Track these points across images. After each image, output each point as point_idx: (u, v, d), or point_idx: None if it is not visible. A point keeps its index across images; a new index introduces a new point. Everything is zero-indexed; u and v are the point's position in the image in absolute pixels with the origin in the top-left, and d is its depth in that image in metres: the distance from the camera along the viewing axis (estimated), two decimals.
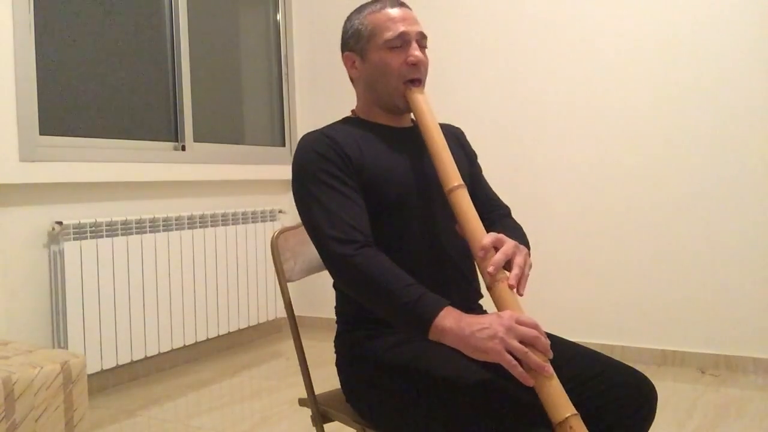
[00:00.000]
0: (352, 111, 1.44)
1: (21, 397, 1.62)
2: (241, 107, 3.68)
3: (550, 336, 1.16)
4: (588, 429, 1.04)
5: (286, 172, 3.79)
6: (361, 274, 1.16)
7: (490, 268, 1.14)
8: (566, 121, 3.15)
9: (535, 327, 1.06)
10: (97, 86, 2.87)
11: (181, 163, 3.13)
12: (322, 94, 3.82)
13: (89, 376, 2.51)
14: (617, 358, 1.34)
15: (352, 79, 1.42)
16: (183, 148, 3.21)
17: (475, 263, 1.22)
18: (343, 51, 1.41)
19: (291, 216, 3.75)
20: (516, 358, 1.03)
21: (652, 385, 1.22)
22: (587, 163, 3.10)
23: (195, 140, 3.27)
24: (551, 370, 1.04)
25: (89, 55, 2.84)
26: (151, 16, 3.11)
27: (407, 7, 1.37)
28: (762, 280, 2.78)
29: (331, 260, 1.20)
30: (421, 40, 1.35)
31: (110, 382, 2.79)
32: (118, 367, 2.76)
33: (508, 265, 1.16)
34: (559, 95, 3.15)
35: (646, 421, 1.20)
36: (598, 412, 1.14)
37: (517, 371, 1.02)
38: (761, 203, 2.78)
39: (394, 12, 1.34)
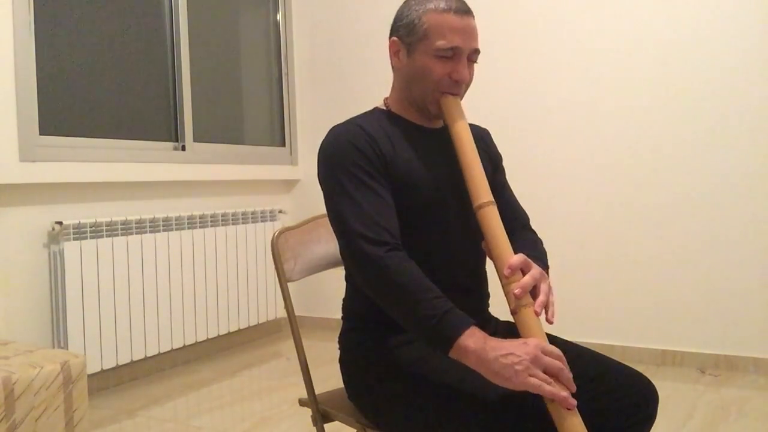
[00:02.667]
0: (385, 99, 1.39)
1: (21, 397, 1.62)
2: (241, 107, 3.68)
3: (550, 336, 1.16)
4: (589, 431, 1.04)
5: (286, 172, 3.80)
6: (389, 277, 1.12)
7: (517, 291, 1.12)
8: (565, 120, 3.15)
9: (560, 358, 1.04)
10: (97, 86, 2.87)
11: (181, 163, 3.13)
12: (322, 94, 3.82)
13: (89, 376, 2.51)
14: (617, 358, 1.34)
15: (392, 65, 1.35)
16: (183, 148, 3.21)
17: (500, 283, 1.18)
18: (390, 34, 1.33)
19: (291, 216, 3.75)
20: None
21: (653, 387, 1.22)
22: (587, 163, 3.10)
23: (195, 140, 3.27)
24: (575, 403, 1.02)
25: (89, 55, 2.84)
26: (151, 17, 3.11)
27: (471, 15, 1.28)
28: (762, 280, 2.78)
29: (357, 258, 1.16)
30: (473, 55, 1.29)
31: (110, 382, 2.79)
32: (118, 367, 2.76)
33: (533, 290, 1.15)
34: (560, 95, 3.15)
35: (647, 423, 1.20)
36: (599, 414, 1.14)
37: (546, 389, 1.00)
38: (761, 203, 2.78)
39: (455, 20, 1.25)
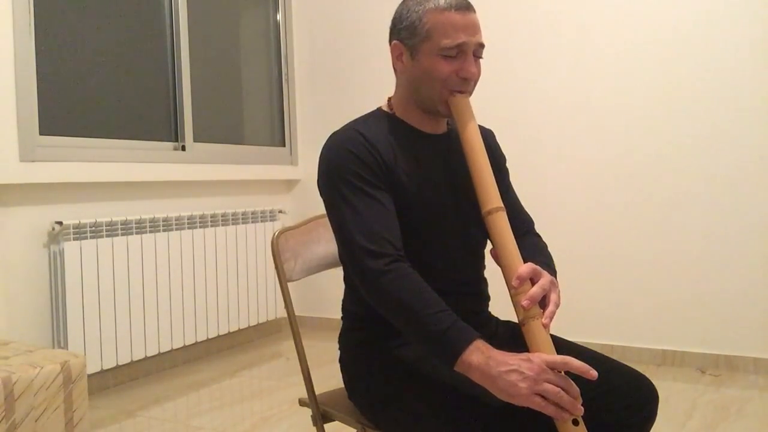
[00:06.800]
0: (389, 99, 1.36)
1: (21, 397, 1.62)
2: (241, 107, 3.68)
3: (551, 336, 1.16)
4: (589, 431, 1.04)
5: (286, 172, 3.80)
6: (391, 293, 1.12)
7: (525, 302, 1.11)
8: (566, 119, 3.15)
9: (567, 363, 1.03)
10: (97, 86, 2.87)
11: (181, 163, 3.13)
12: (322, 94, 3.82)
13: (89, 376, 2.51)
14: (617, 358, 1.33)
15: (394, 69, 1.32)
16: (183, 148, 3.21)
17: (509, 291, 1.17)
18: (391, 38, 1.29)
19: (291, 216, 3.75)
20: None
21: (653, 387, 1.22)
22: (587, 162, 3.10)
23: (195, 140, 3.27)
24: (581, 411, 1.02)
25: (89, 55, 2.84)
26: (151, 17, 3.11)
27: (473, 10, 1.25)
28: (762, 280, 2.78)
29: (360, 273, 1.16)
30: (478, 50, 1.26)
31: (110, 382, 2.79)
32: (118, 367, 2.76)
33: (542, 299, 1.13)
34: (560, 94, 3.15)
35: (647, 423, 1.20)
36: (599, 414, 1.14)
37: (551, 409, 1.00)
38: (761, 203, 2.78)
39: (457, 17, 1.21)
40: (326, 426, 1.40)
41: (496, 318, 1.41)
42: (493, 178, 1.23)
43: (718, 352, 2.87)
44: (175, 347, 2.99)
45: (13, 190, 2.48)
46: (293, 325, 1.44)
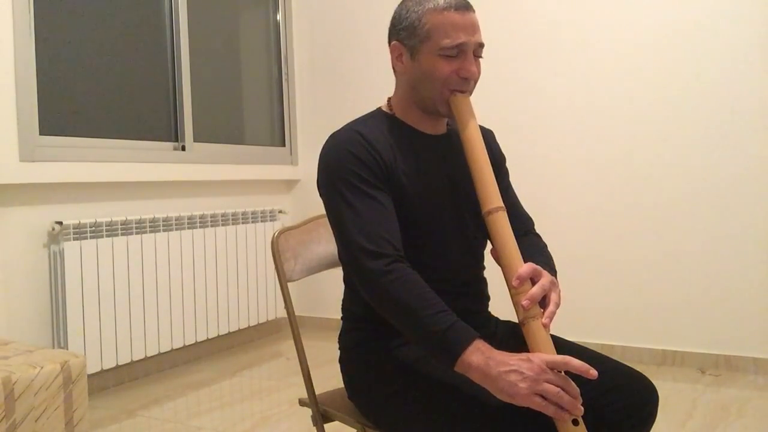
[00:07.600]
0: (389, 100, 1.36)
1: (21, 397, 1.62)
2: (241, 107, 3.68)
3: (551, 337, 1.16)
4: (589, 431, 1.04)
5: (286, 172, 3.79)
6: (390, 294, 1.12)
7: (525, 302, 1.11)
8: (566, 120, 3.15)
9: (567, 363, 1.03)
10: (97, 86, 2.87)
11: (181, 163, 3.13)
12: (322, 94, 3.82)
13: (89, 376, 2.51)
14: (617, 358, 1.33)
15: (394, 69, 1.32)
16: (183, 148, 3.21)
17: (509, 291, 1.17)
18: (390, 38, 1.30)
19: (291, 216, 3.75)
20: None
21: (653, 387, 1.22)
22: (587, 162, 3.10)
23: (195, 140, 3.27)
24: (581, 411, 1.02)
25: (89, 55, 2.84)
26: (151, 16, 3.11)
27: (472, 10, 1.25)
28: (762, 280, 2.78)
29: (359, 274, 1.16)
30: (478, 50, 1.26)
31: (110, 382, 2.79)
32: (118, 367, 2.76)
33: (542, 299, 1.13)
34: (561, 95, 3.15)
35: (647, 423, 1.20)
36: (599, 414, 1.14)
37: (551, 410, 1.00)
38: (761, 203, 2.78)
39: (457, 17, 1.22)
40: (326, 426, 1.40)
41: (496, 318, 1.41)
42: (494, 177, 1.23)
43: (718, 352, 2.87)
44: (175, 347, 2.98)
45: (13, 190, 2.48)
46: (293, 325, 1.44)
